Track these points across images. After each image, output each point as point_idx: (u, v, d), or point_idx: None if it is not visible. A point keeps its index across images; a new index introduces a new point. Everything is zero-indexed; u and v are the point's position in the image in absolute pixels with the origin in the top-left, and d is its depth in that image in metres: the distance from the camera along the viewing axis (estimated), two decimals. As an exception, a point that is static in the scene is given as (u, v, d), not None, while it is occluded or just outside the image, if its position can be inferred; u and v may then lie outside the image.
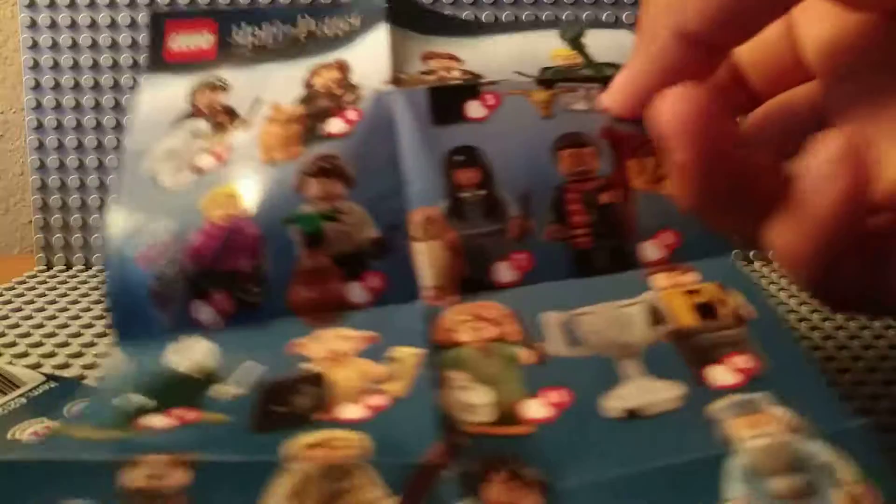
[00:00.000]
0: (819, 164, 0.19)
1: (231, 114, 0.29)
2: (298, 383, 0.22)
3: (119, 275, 0.25)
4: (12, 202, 0.60)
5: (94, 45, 0.49)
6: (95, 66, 0.49)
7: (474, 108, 0.27)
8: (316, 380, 0.22)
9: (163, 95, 0.30)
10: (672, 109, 0.20)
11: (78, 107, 0.49)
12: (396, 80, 0.27)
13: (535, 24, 0.32)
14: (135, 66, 0.49)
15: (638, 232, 0.25)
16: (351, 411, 0.21)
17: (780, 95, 0.26)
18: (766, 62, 0.26)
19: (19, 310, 0.40)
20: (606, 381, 0.21)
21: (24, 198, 0.59)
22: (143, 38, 0.49)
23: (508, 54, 0.29)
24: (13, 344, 0.36)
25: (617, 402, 0.20)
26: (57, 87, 0.49)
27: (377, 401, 0.21)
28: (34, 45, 0.49)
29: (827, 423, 0.19)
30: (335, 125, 0.27)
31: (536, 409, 0.21)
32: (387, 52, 0.28)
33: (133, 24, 0.49)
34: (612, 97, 0.26)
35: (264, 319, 0.25)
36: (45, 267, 0.49)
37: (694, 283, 0.23)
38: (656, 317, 0.22)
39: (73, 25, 0.49)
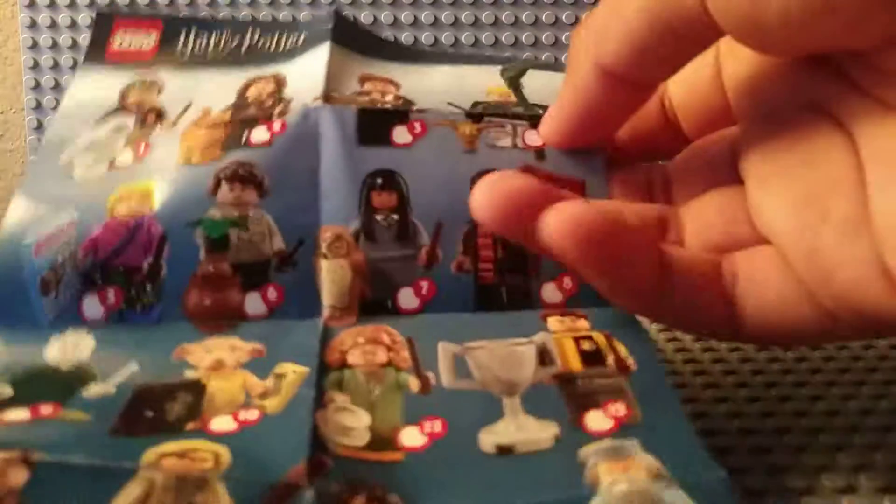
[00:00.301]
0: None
1: (159, 114, 0.29)
2: (175, 390, 0.21)
3: (9, 261, 0.25)
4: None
5: (94, 45, 0.49)
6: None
7: (400, 134, 0.27)
8: (194, 388, 0.22)
9: (94, 88, 0.30)
10: (554, 227, 0.21)
11: (78, 107, 0.49)
12: (328, 98, 0.27)
13: (477, 59, 0.32)
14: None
15: (541, 273, 0.26)
16: (221, 423, 0.20)
17: (704, 137, 0.26)
18: (696, 105, 0.26)
19: (19, 310, 0.40)
20: (486, 416, 0.21)
21: (24, 198, 0.59)
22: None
23: (445, 84, 0.29)
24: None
25: (490, 437, 0.20)
26: (57, 87, 0.49)
27: (248, 415, 0.21)
28: (34, 45, 0.49)
29: (689, 472, 0.19)
30: (259, 134, 0.26)
31: (411, 437, 0.21)
32: (323, 69, 0.28)
33: (133, 24, 0.49)
34: (544, 128, 0.27)
35: (156, 321, 0.24)
36: (45, 267, 0.49)
37: (584, 330, 0.24)
38: (545, 358, 0.23)
39: (73, 25, 0.49)
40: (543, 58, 0.32)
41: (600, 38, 0.22)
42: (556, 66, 0.31)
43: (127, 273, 0.25)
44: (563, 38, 0.48)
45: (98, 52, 0.31)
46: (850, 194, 0.20)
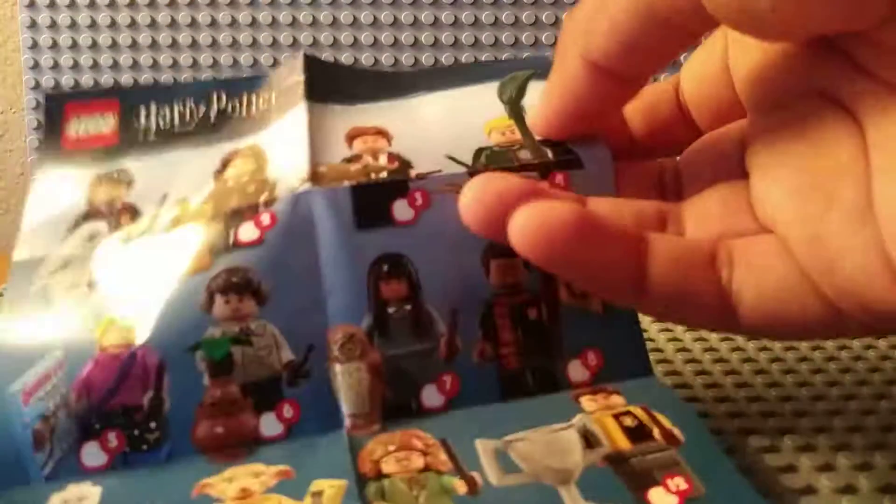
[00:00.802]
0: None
1: (133, 212, 0.26)
2: None
3: None
4: (12, 202, 0.60)
5: (94, 45, 0.49)
6: (95, 66, 0.49)
7: (402, 210, 0.24)
8: None
9: (58, 192, 0.27)
10: (518, 227, 0.20)
11: (78, 107, 0.49)
12: (315, 176, 0.24)
13: (467, 75, 0.28)
14: (135, 66, 0.49)
15: (563, 350, 0.24)
16: None
17: (714, 130, 0.26)
18: (707, 98, 0.25)
19: (19, 310, 0.40)
20: None
21: (24, 198, 0.59)
22: (142, 37, 0.49)
23: (439, 126, 0.27)
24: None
25: None
26: (57, 87, 0.49)
27: None
28: (34, 45, 0.49)
29: None
30: (247, 232, 0.24)
31: None
32: (305, 138, 0.25)
33: (133, 24, 0.49)
34: (535, 120, 0.26)
35: (165, 461, 0.22)
36: (45, 267, 0.49)
37: (621, 406, 0.23)
38: (590, 440, 0.22)
39: (73, 25, 0.49)
40: (536, 63, 0.28)
41: (587, 31, 0.22)
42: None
43: (126, 413, 0.23)
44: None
45: (53, 143, 0.28)
46: (856, 181, 0.19)
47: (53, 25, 0.49)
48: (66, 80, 0.49)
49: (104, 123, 0.28)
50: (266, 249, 0.24)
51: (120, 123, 0.28)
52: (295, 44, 0.48)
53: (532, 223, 0.20)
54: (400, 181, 0.25)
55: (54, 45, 0.48)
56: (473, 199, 0.21)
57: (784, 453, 0.25)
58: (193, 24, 0.48)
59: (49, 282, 0.25)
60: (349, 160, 0.25)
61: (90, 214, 0.26)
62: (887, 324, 0.20)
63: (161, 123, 0.28)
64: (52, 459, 0.22)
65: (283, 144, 0.26)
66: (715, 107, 0.25)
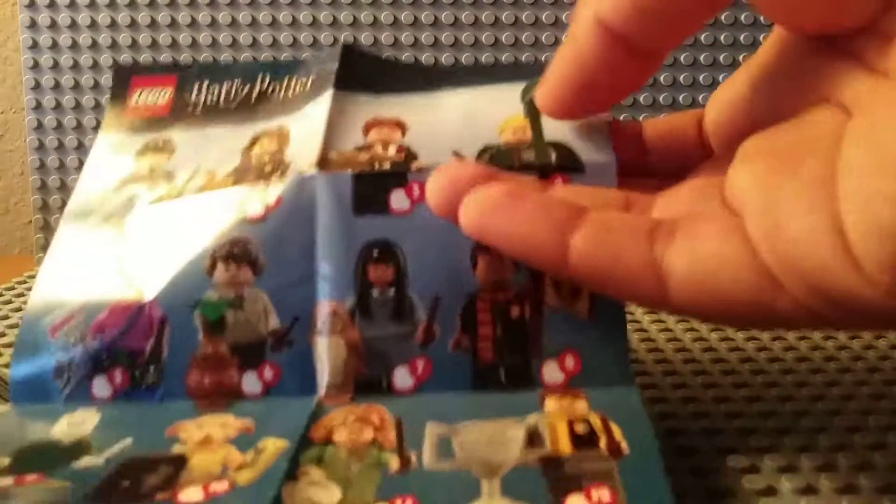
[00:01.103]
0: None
1: (169, 178, 0.29)
2: (158, 463, 0.22)
3: (30, 343, 0.26)
4: (12, 202, 0.60)
5: (94, 45, 0.49)
6: (95, 65, 0.49)
7: (399, 199, 0.26)
8: (177, 461, 0.22)
9: (112, 155, 0.30)
10: (462, 208, 0.22)
11: (78, 107, 0.49)
12: (323, 162, 0.26)
13: (501, 74, 0.29)
14: (135, 66, 0.49)
15: (542, 351, 0.25)
16: (189, 494, 0.21)
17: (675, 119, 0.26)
18: (724, 125, 0.25)
19: (19, 310, 0.40)
20: (461, 497, 0.20)
21: (24, 198, 0.59)
22: (142, 37, 0.49)
23: (456, 120, 0.28)
24: (13, 344, 0.36)
25: None
26: (57, 87, 0.49)
27: (218, 487, 0.21)
28: (34, 45, 0.49)
29: None
30: (254, 208, 0.26)
31: None
32: (323, 126, 0.27)
33: (133, 24, 0.49)
34: (541, 94, 0.25)
35: (159, 400, 0.25)
36: (45, 267, 0.49)
37: (581, 411, 0.23)
38: (534, 440, 0.22)
39: (73, 25, 0.49)
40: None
41: None
42: None
43: (131, 355, 0.25)
44: (563, 38, 0.48)
45: (118, 112, 0.31)
46: (825, 155, 0.18)
47: (53, 25, 0.48)
48: (66, 81, 0.49)
49: (161, 96, 0.31)
50: (268, 225, 0.26)
51: (174, 97, 0.31)
52: (295, 44, 0.48)
53: (469, 201, 0.22)
54: (400, 172, 0.26)
55: (54, 45, 0.48)
56: (434, 184, 0.23)
57: (784, 453, 0.25)
58: (193, 24, 0.48)
59: (90, 234, 0.28)
60: (360, 149, 0.27)
61: (134, 177, 0.29)
62: (822, 301, 0.19)
63: (209, 99, 0.31)
64: (68, 386, 0.25)
65: (305, 129, 0.28)
66: (730, 132, 0.24)
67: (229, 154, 0.29)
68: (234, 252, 0.26)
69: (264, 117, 0.30)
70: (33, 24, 0.49)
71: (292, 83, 0.30)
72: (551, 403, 0.24)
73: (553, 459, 0.21)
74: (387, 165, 0.26)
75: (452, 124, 0.28)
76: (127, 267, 0.27)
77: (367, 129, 0.28)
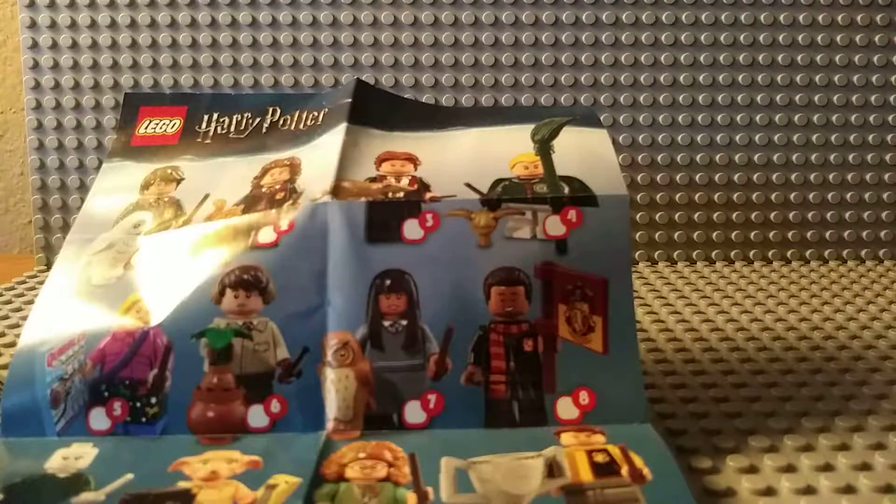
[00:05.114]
0: None
1: (176, 206, 0.28)
2: (163, 499, 0.21)
3: (24, 372, 0.25)
4: (12, 202, 0.60)
5: (94, 46, 0.49)
6: (95, 66, 0.49)
7: (412, 229, 0.25)
8: (183, 497, 0.21)
9: (118, 182, 0.29)
10: None
11: (78, 107, 0.49)
12: (337, 190, 0.26)
13: (513, 115, 0.29)
14: (135, 66, 0.49)
15: (556, 386, 0.25)
16: None
17: None
18: None
19: (19, 310, 0.40)
20: None
21: (24, 198, 0.59)
22: (142, 37, 0.49)
23: (468, 156, 0.28)
24: (13, 344, 0.35)
25: None
26: (57, 87, 0.49)
27: None
28: (34, 45, 0.49)
29: None
30: (265, 235, 0.26)
31: None
32: (336, 157, 0.27)
33: (133, 24, 0.49)
34: None
35: (159, 433, 0.24)
36: (44, 267, 0.49)
37: (599, 444, 0.23)
38: (553, 471, 0.22)
39: (73, 25, 0.49)
40: (579, 112, 0.29)
41: None
42: (591, 121, 0.29)
43: (132, 386, 0.25)
44: (563, 38, 0.48)
45: (125, 140, 0.31)
46: None
47: (53, 25, 0.48)
48: (66, 81, 0.48)
49: (170, 126, 0.31)
50: (279, 251, 0.25)
51: (184, 127, 0.31)
52: (295, 44, 0.48)
53: None
54: (413, 202, 0.26)
55: (54, 45, 0.48)
56: None
57: (784, 453, 0.25)
58: (193, 24, 0.48)
59: (92, 259, 0.27)
60: (373, 179, 0.27)
61: (140, 205, 0.29)
62: None
63: (218, 129, 0.30)
64: (64, 417, 0.24)
65: (318, 158, 0.28)
66: None
67: (239, 183, 0.28)
68: (244, 279, 0.25)
69: (275, 148, 0.29)
70: (33, 24, 0.49)
71: (303, 116, 0.30)
72: (568, 437, 0.24)
73: (575, 487, 0.21)
74: (400, 195, 0.26)
75: (464, 159, 0.27)
76: (131, 291, 0.26)
77: (379, 162, 0.27)
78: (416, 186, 0.26)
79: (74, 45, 0.49)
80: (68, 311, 0.26)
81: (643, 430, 0.24)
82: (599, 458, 0.22)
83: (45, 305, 0.26)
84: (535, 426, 0.24)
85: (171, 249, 0.27)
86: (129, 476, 0.22)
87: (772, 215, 0.49)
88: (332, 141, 0.28)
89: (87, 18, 0.49)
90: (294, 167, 0.28)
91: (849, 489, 0.23)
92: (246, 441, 0.24)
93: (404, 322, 0.25)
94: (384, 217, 0.26)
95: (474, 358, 0.25)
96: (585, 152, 0.27)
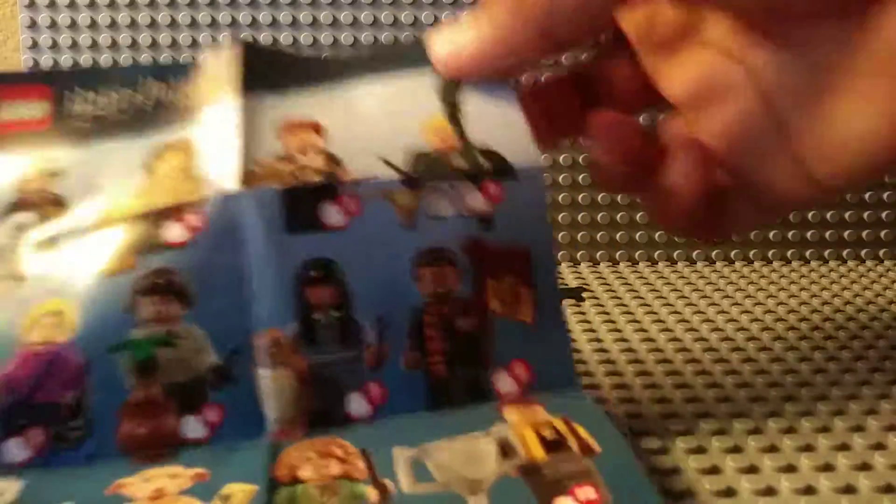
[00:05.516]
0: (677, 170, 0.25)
1: (60, 204, 0.25)
2: None
3: None
4: (12, 202, 0.60)
5: (94, 45, 0.49)
6: (95, 66, 0.49)
7: (332, 215, 0.24)
8: None
9: None
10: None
11: (78, 107, 0.49)
12: (247, 177, 0.24)
13: (407, 61, 0.27)
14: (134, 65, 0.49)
15: (492, 361, 0.25)
16: None
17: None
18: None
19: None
20: None
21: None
22: (142, 37, 0.49)
23: (375, 122, 0.26)
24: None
25: None
26: (57, 87, 0.49)
27: None
28: (34, 45, 0.49)
29: None
30: (174, 232, 0.24)
31: None
32: (235, 135, 0.25)
33: (133, 24, 0.49)
34: (450, 54, 0.25)
35: (86, 458, 0.22)
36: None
37: (542, 418, 0.23)
38: (507, 451, 0.22)
39: (73, 25, 0.49)
40: None
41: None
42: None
43: (50, 409, 0.22)
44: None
45: None
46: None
47: (53, 25, 0.48)
48: (66, 80, 0.49)
49: (37, 109, 0.27)
50: (193, 251, 0.23)
51: (53, 109, 0.27)
52: (295, 44, 0.48)
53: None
54: (331, 186, 0.24)
55: (54, 45, 0.48)
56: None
57: (784, 453, 0.25)
58: (193, 24, 0.48)
59: None
60: (281, 158, 0.25)
61: (20, 204, 0.25)
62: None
63: (95, 110, 0.27)
64: None
65: (214, 140, 0.25)
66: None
67: (128, 171, 0.25)
68: (158, 283, 0.23)
69: (161, 128, 0.26)
70: (33, 24, 0.49)
71: (188, 88, 0.27)
72: (511, 414, 0.23)
73: (530, 466, 0.21)
74: (314, 177, 0.24)
75: (371, 125, 0.26)
76: (29, 306, 0.24)
77: (282, 135, 0.25)
78: (327, 163, 0.25)
79: (74, 45, 0.49)
80: None
81: (578, 400, 0.24)
82: (547, 433, 0.22)
83: None
84: (477, 402, 0.24)
85: (66, 255, 0.24)
86: None
87: (772, 215, 0.49)
88: (226, 116, 0.25)
89: (87, 18, 0.49)
90: (188, 150, 0.25)
91: (849, 489, 0.23)
92: (186, 454, 0.22)
93: (336, 313, 0.24)
94: (301, 204, 0.24)
95: (410, 342, 0.24)
96: (497, 119, 0.26)
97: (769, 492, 0.23)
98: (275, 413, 0.23)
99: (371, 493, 0.21)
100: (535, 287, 0.25)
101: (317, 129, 0.25)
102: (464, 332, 0.25)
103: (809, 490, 0.23)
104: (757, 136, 0.24)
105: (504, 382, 0.25)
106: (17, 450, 0.22)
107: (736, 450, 0.25)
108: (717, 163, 0.26)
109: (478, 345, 0.25)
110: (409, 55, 0.27)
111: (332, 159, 0.25)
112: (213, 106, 0.26)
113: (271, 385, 0.23)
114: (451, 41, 0.25)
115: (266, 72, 0.26)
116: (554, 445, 0.22)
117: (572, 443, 0.22)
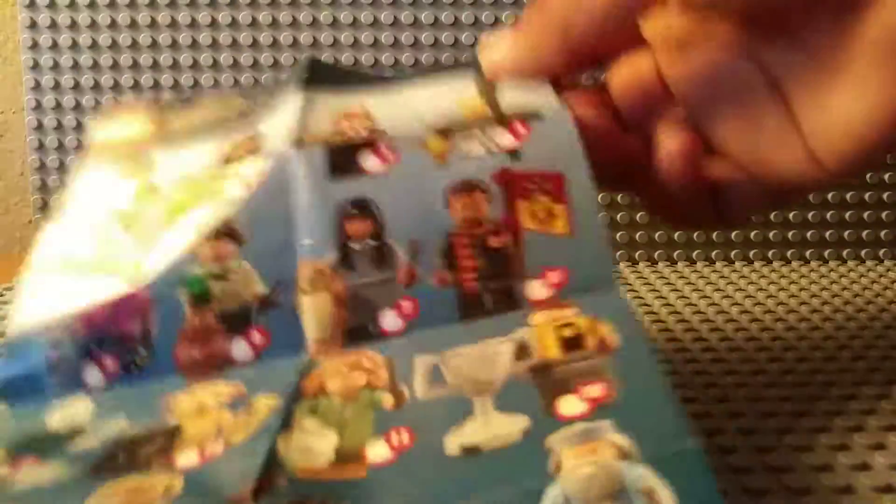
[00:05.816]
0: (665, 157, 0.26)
1: (154, 192, 0.29)
2: (153, 435, 0.22)
3: (20, 342, 0.26)
4: (12, 202, 0.60)
5: (94, 45, 0.49)
6: (95, 66, 0.49)
7: (371, 162, 0.26)
8: (172, 431, 0.22)
9: (97, 183, 0.31)
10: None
11: (78, 107, 0.49)
12: (299, 142, 0.27)
13: (458, 67, 0.31)
14: (135, 66, 0.49)
15: (525, 272, 0.25)
16: (185, 459, 0.21)
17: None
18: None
19: (19, 310, 0.40)
20: (456, 419, 0.21)
21: (24, 198, 0.59)
22: (142, 37, 0.49)
23: (419, 108, 0.29)
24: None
25: (457, 439, 0.20)
26: (57, 87, 0.49)
27: (214, 449, 0.21)
28: (34, 45, 0.49)
29: (660, 447, 0.18)
30: (234, 188, 0.27)
31: (377, 452, 0.20)
32: (295, 118, 0.28)
33: (133, 24, 0.49)
34: (491, 63, 0.28)
35: (149, 379, 0.25)
36: (44, 267, 0.49)
37: (568, 318, 0.23)
38: (522, 352, 0.22)
39: (73, 25, 0.49)
40: None
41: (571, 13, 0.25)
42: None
43: (120, 340, 0.26)
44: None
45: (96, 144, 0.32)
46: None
47: (53, 25, 0.48)
48: (66, 81, 0.49)
49: (137, 124, 0.32)
50: (248, 204, 0.26)
51: (153, 124, 0.32)
52: (295, 44, 0.48)
53: None
54: (370, 139, 0.27)
55: (54, 45, 0.48)
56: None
57: (784, 453, 0.25)
58: (193, 24, 0.48)
59: (76, 241, 0.28)
60: (333, 134, 0.28)
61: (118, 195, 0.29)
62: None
63: (187, 123, 0.31)
64: (60, 379, 0.25)
65: (278, 125, 0.28)
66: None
67: (206, 158, 0.29)
68: (218, 230, 0.26)
69: (241, 129, 0.30)
70: (33, 24, 0.49)
71: (265, 100, 0.31)
72: (538, 317, 0.24)
73: (542, 367, 0.21)
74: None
75: (416, 111, 0.28)
76: (117, 255, 0.27)
77: (337, 120, 0.28)
78: (372, 134, 0.28)
79: (74, 45, 0.49)
80: (56, 282, 0.27)
81: (615, 301, 0.24)
82: (567, 332, 0.23)
83: (34, 278, 0.28)
84: (509, 311, 0.25)
85: (151, 212, 0.28)
86: (122, 420, 0.23)
87: (772, 215, 0.49)
88: (290, 108, 0.29)
89: (87, 18, 0.49)
90: (256, 139, 0.29)
91: (848, 489, 0.23)
92: (231, 372, 0.25)
93: (372, 242, 0.26)
94: (343, 154, 0.27)
95: (442, 262, 0.25)
96: (527, 96, 0.28)
97: (767, 492, 0.23)
98: (314, 333, 0.25)
99: (387, 399, 0.22)
100: (572, 203, 0.26)
101: (369, 117, 0.28)
102: (495, 249, 0.26)
103: (809, 490, 0.23)
104: (768, 126, 0.25)
105: (536, 290, 0.25)
106: (93, 375, 0.25)
107: (732, 450, 0.25)
108: (706, 152, 0.27)
109: (509, 259, 0.26)
110: (457, 70, 0.30)
111: (378, 132, 0.27)
112: (282, 105, 0.29)
113: (311, 308, 0.25)
114: (492, 57, 0.28)
115: (327, 76, 0.30)
116: (571, 344, 0.22)
117: (590, 341, 0.22)
